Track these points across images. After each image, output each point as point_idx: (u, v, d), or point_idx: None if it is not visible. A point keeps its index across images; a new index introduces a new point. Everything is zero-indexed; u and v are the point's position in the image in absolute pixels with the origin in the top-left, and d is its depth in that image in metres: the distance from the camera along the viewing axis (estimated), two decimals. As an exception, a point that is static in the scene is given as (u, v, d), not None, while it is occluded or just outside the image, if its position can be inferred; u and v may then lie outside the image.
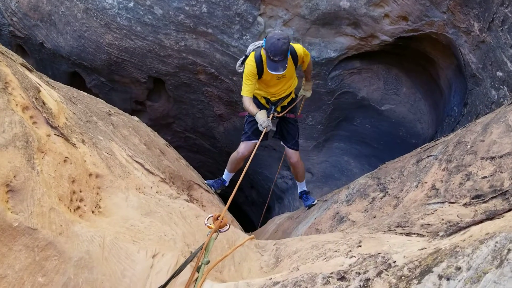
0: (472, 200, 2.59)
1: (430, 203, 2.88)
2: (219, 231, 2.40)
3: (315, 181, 9.22)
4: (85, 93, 4.63)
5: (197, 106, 9.61)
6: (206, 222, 2.46)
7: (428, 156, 3.58)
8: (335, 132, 9.22)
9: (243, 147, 5.10)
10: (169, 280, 1.89)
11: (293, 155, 5.30)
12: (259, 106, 4.96)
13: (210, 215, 2.50)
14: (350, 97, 8.46)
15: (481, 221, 1.56)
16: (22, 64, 3.01)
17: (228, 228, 2.48)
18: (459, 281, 1.17)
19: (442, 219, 2.44)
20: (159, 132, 6.01)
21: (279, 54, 4.21)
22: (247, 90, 4.67)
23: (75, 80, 9.51)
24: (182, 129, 10.51)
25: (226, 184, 5.52)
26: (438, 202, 2.84)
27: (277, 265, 2.50)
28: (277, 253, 2.68)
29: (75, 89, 4.49)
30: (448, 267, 1.24)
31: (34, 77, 2.99)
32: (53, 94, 3.07)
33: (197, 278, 2.00)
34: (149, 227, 2.45)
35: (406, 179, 3.59)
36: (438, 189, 3.02)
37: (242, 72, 4.81)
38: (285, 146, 5.36)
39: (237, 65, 5.12)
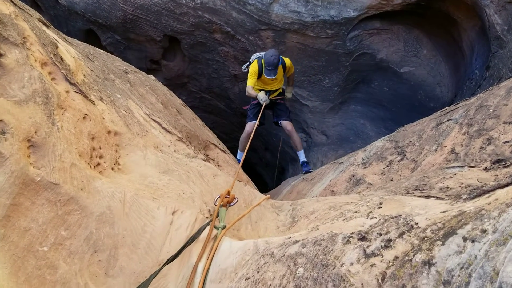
0: (493, 165, 2.54)
1: (449, 167, 2.84)
2: (229, 205, 2.40)
3: (330, 143, 9.18)
4: (102, 51, 4.60)
5: (212, 66, 9.52)
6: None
7: (448, 120, 3.50)
8: (352, 94, 9.09)
9: (248, 127, 6.97)
10: (181, 249, 1.89)
11: (287, 124, 7.02)
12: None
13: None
14: (369, 58, 8.28)
15: (506, 185, 1.52)
16: (39, 19, 2.97)
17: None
18: (484, 243, 1.15)
19: (462, 183, 2.41)
20: (174, 92, 5.98)
21: (271, 65, 6.31)
22: (250, 82, 6.73)
23: (90, 38, 9.45)
24: (197, 89, 10.47)
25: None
26: (457, 166, 2.80)
27: (293, 225, 2.51)
28: (293, 213, 2.69)
29: (91, 46, 4.45)
30: (473, 230, 1.22)
31: (51, 33, 2.96)
32: (70, 50, 3.05)
33: (216, 236, 2.02)
34: (167, 184, 2.47)
35: (425, 143, 3.53)
36: (457, 153, 2.98)
37: (246, 70, 7.05)
38: (281, 121, 7.03)
39: (243, 67, 7.28)
